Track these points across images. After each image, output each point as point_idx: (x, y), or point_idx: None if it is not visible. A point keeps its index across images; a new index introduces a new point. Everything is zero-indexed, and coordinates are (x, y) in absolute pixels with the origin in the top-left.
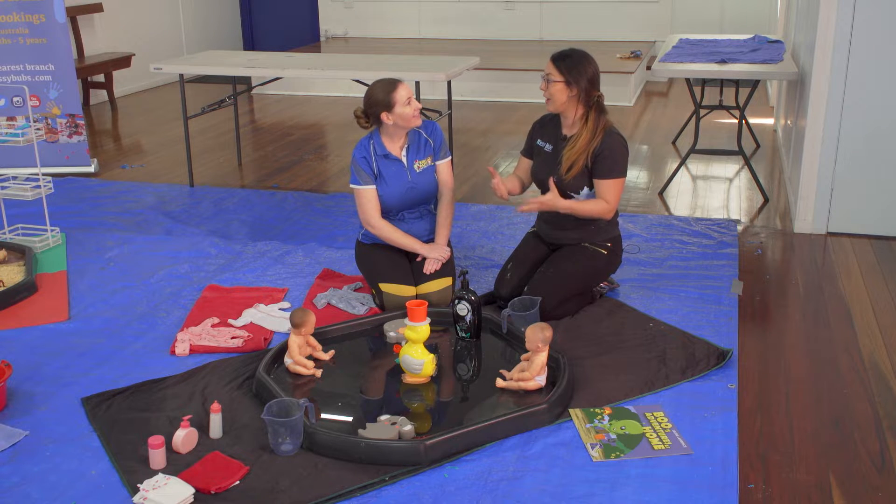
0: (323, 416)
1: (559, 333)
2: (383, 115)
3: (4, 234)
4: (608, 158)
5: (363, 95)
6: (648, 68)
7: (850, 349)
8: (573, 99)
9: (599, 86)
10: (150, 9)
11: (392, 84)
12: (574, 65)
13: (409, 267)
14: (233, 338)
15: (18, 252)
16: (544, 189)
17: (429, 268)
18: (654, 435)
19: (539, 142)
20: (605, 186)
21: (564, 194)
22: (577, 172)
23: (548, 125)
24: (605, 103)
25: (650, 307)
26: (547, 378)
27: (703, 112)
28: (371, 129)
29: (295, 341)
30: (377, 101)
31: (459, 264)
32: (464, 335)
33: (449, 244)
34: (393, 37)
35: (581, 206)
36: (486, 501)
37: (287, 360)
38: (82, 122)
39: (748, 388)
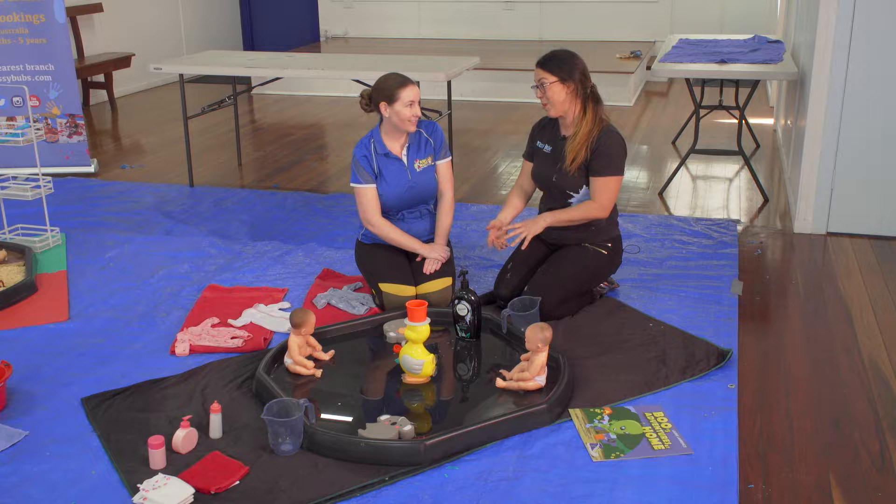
0: (323, 416)
1: (559, 333)
2: (382, 105)
3: (4, 234)
4: (604, 155)
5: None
6: (648, 68)
7: (850, 349)
8: (571, 95)
9: (590, 76)
10: (150, 9)
11: (405, 81)
12: (562, 62)
13: (408, 267)
14: (233, 338)
15: (18, 252)
16: (545, 190)
17: (428, 268)
18: (654, 435)
19: (538, 143)
20: (600, 184)
21: (564, 193)
22: (579, 165)
23: (546, 127)
24: (606, 104)
25: (650, 307)
26: (547, 378)
27: (703, 112)
28: (369, 112)
29: (295, 341)
30: (383, 90)
31: (459, 264)
32: (464, 335)
33: (449, 244)
34: (393, 37)
35: (568, 213)
36: (486, 501)
37: (287, 360)
38: (82, 122)
39: (748, 388)
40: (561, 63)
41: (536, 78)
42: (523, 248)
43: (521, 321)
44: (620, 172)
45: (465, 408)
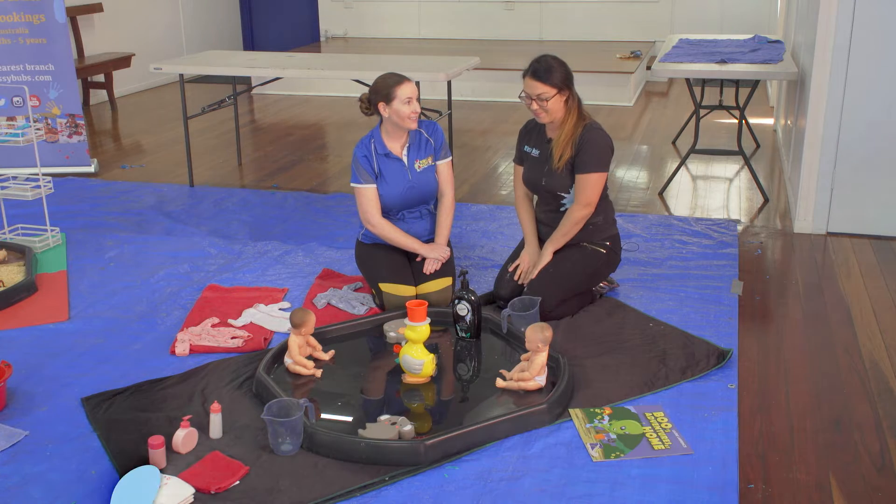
0: (323, 416)
1: (559, 333)
2: (381, 106)
3: (4, 234)
4: (587, 152)
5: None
6: (648, 68)
7: (850, 349)
8: (567, 103)
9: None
10: (150, 9)
11: (400, 79)
12: (555, 71)
13: (409, 267)
14: (233, 338)
15: (18, 252)
16: (536, 193)
17: (428, 268)
18: (654, 435)
19: (526, 148)
20: (584, 181)
21: (555, 195)
22: (566, 162)
23: (532, 131)
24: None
25: (650, 307)
26: (547, 378)
27: (703, 112)
28: (369, 115)
29: (295, 341)
30: (380, 90)
31: (459, 264)
32: (464, 335)
33: (449, 244)
34: (393, 37)
35: (561, 230)
36: (486, 501)
37: (287, 360)
38: (82, 122)
39: (748, 388)
40: (553, 73)
41: (534, 92)
42: (532, 276)
43: (521, 321)
44: (604, 169)
45: (465, 408)
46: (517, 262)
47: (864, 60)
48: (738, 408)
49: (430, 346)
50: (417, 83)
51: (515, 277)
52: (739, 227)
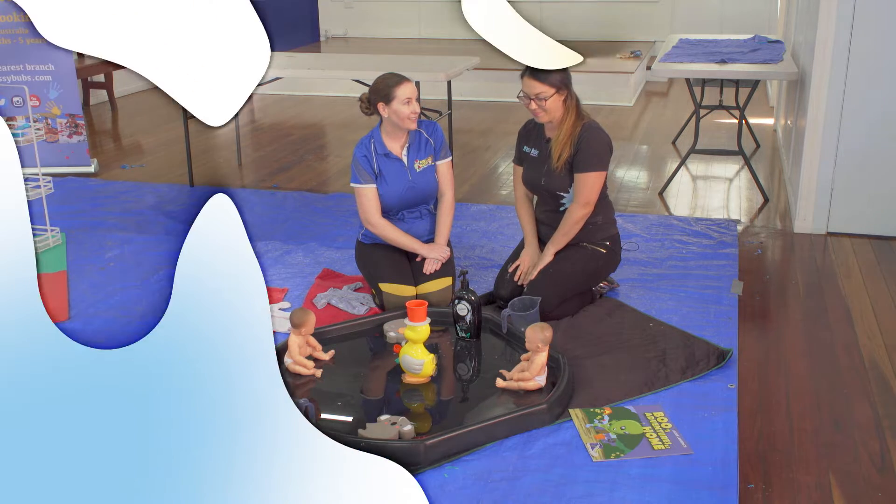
0: (323, 416)
1: (559, 333)
2: (380, 106)
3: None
4: (586, 151)
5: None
6: (648, 68)
7: (850, 349)
8: (565, 102)
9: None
10: None
11: (399, 79)
12: (553, 71)
13: (409, 267)
14: None
15: None
16: (536, 194)
17: (428, 268)
18: (654, 435)
19: (525, 148)
20: (583, 181)
21: (554, 195)
22: (565, 161)
23: (532, 131)
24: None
25: (650, 307)
26: (547, 378)
27: (703, 112)
28: (369, 115)
29: (295, 341)
30: (379, 90)
31: (459, 264)
32: (464, 335)
33: (449, 244)
34: (393, 37)
35: (562, 230)
36: (486, 501)
37: (287, 360)
38: (82, 122)
39: (748, 388)
40: (555, 73)
41: (532, 91)
42: (532, 277)
43: (521, 321)
44: (603, 168)
45: (465, 408)
46: (517, 263)
47: (864, 60)
48: (738, 408)
49: (430, 346)
50: (417, 83)
51: (515, 278)
52: (739, 227)
